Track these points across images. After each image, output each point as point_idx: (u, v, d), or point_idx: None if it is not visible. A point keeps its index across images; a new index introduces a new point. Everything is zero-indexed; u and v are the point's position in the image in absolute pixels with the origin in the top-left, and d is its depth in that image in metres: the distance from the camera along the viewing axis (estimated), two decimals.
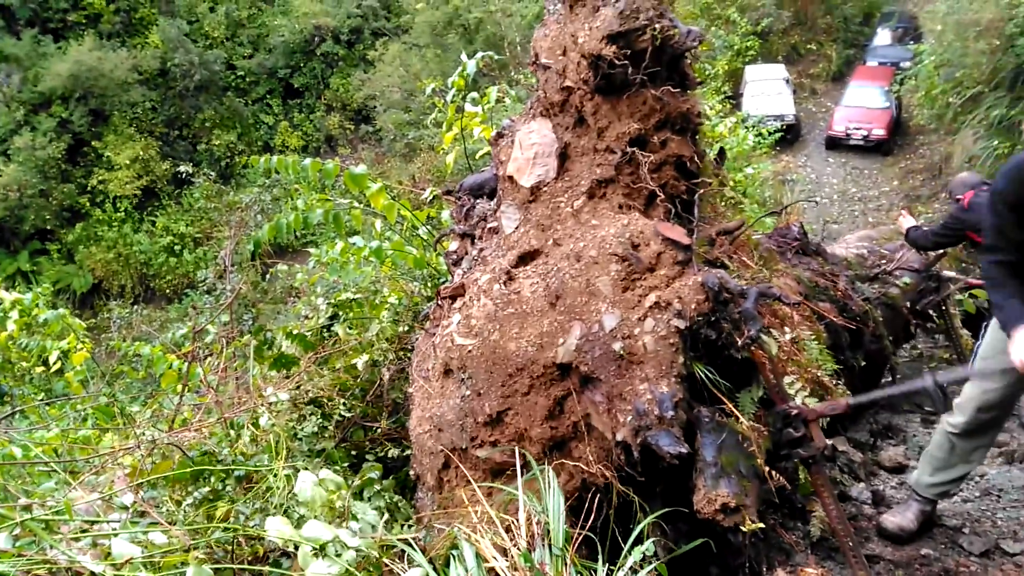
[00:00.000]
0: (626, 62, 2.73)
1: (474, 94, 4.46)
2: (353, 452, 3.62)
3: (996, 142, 14.30)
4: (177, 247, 26.02)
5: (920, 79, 18.00)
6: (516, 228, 3.02)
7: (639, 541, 2.07)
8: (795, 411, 2.68)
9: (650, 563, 2.02)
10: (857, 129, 20.57)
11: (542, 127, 3.05)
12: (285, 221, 4.62)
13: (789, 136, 20.28)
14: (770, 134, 14.36)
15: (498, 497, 2.40)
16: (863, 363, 4.04)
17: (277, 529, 1.89)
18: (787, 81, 22.47)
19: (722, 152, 3.59)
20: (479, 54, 4.23)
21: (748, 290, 2.53)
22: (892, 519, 3.01)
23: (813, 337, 3.10)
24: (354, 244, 4.44)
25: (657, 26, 2.70)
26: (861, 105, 20.99)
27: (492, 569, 1.93)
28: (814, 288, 3.89)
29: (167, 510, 2.41)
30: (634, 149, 2.84)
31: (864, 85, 21.46)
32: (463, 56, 4.20)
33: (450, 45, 26.44)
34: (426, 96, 5.10)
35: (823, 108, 23.51)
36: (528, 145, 3.03)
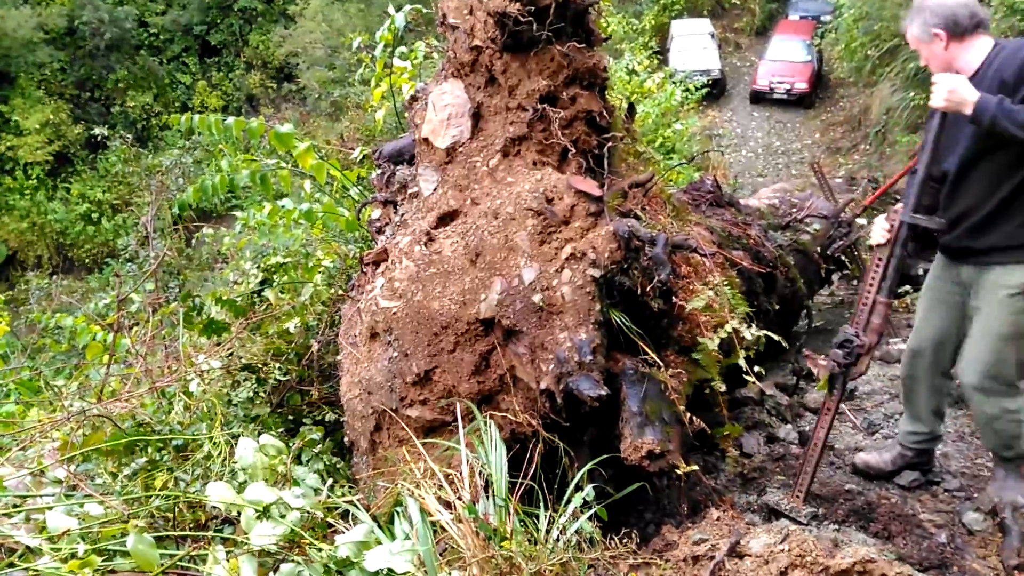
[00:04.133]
0: (531, 19, 2.77)
1: (402, 49, 4.37)
2: (290, 417, 3.60)
3: (912, 94, 14.74)
4: (95, 215, 24.97)
5: (840, 32, 18.36)
6: (434, 190, 3.06)
7: (578, 488, 2.13)
8: (857, 341, 2.81)
9: (590, 508, 2.08)
10: (780, 83, 20.98)
11: (454, 88, 3.07)
12: (210, 183, 4.49)
13: (715, 91, 20.56)
14: (697, 89, 14.52)
15: (437, 453, 2.43)
16: (777, 307, 4.20)
17: (219, 494, 1.88)
18: (712, 36, 22.71)
19: (631, 107, 3.65)
20: (407, 7, 4.14)
21: (657, 237, 2.61)
22: (865, 456, 3.14)
23: (727, 284, 3.21)
24: (283, 206, 4.35)
25: None
26: (784, 59, 21.39)
27: (436, 523, 1.96)
28: (727, 237, 4.00)
29: (103, 482, 2.37)
30: (545, 106, 2.89)
31: (787, 39, 21.84)
32: (390, 9, 4.10)
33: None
34: (352, 52, 4.98)
35: (747, 62, 23.86)
36: (441, 107, 3.06)
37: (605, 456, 2.42)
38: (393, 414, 2.67)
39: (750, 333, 2.87)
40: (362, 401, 2.81)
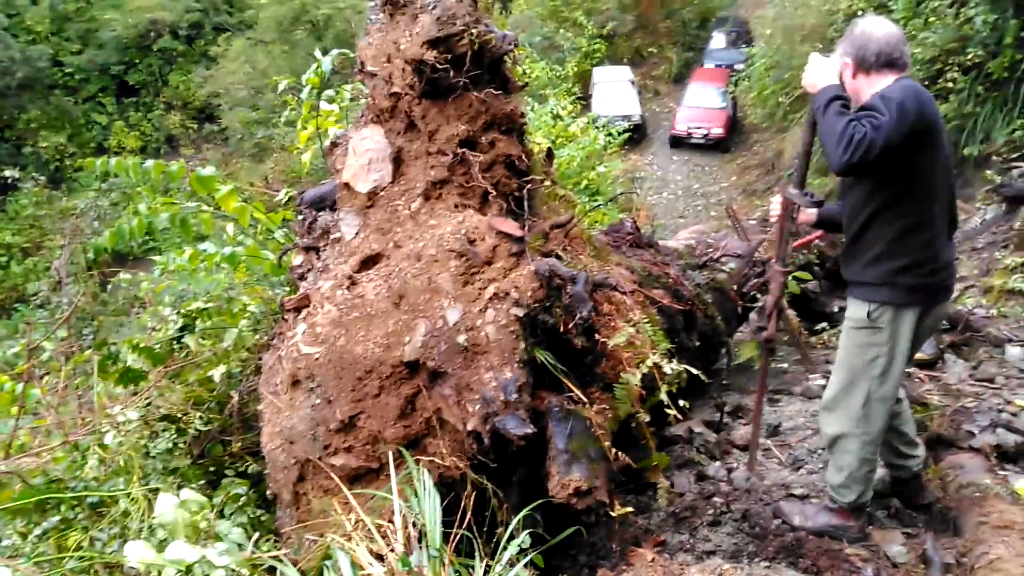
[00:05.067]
0: (448, 66, 2.84)
1: (329, 92, 4.37)
2: (211, 469, 3.47)
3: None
4: (3, 259, 23.82)
5: (753, 80, 19.15)
6: (356, 234, 3.05)
7: (512, 536, 2.10)
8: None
9: (526, 555, 2.06)
10: (698, 128, 21.69)
11: (374, 133, 3.09)
12: (127, 227, 4.35)
13: (636, 135, 21.10)
14: (619, 134, 14.89)
15: (368, 503, 2.37)
16: (698, 344, 4.30)
17: (138, 554, 1.79)
18: (632, 83, 23.40)
19: (550, 152, 3.76)
20: (334, 51, 4.15)
21: (577, 275, 2.67)
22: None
23: (647, 321, 3.28)
24: (204, 250, 4.24)
25: (474, 31, 2.84)
26: (700, 105, 22.15)
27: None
28: (647, 276, 4.10)
29: (11, 544, 2.23)
30: (464, 150, 2.94)
31: (703, 86, 22.64)
32: (317, 53, 4.10)
33: (298, 41, 25.68)
34: (278, 93, 4.95)
35: (666, 108, 24.61)
36: (362, 151, 3.07)
37: (538, 501, 2.41)
38: (317, 464, 2.60)
39: (671, 368, 2.93)
40: (284, 451, 2.74)
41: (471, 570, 1.99)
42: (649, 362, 2.93)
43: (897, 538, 2.94)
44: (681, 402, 3.13)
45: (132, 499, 2.46)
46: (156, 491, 2.51)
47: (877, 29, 2.68)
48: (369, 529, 2.01)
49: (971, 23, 10.64)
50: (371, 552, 1.94)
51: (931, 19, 11.40)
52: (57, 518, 2.36)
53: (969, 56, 10.85)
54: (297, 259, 3.39)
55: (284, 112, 5.20)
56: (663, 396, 2.93)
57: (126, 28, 27.85)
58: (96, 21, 28.42)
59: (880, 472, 3.20)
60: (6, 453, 3.29)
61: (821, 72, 2.67)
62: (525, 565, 2.02)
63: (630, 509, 2.42)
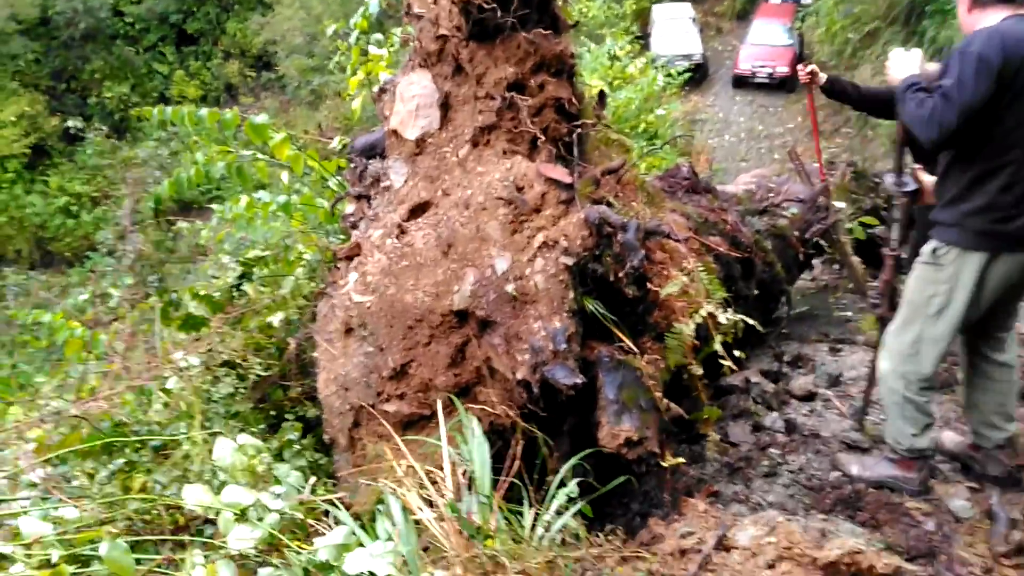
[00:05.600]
0: (496, 6, 2.74)
1: (379, 36, 4.31)
2: (272, 413, 3.55)
3: None
4: (74, 207, 24.64)
5: (820, 16, 18.38)
6: (405, 182, 3.03)
7: (562, 483, 2.10)
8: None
9: (575, 503, 2.05)
10: (762, 67, 20.96)
11: (421, 78, 3.04)
12: (185, 176, 4.42)
13: (697, 76, 20.51)
14: (679, 74, 14.48)
15: (420, 448, 2.39)
16: (756, 292, 4.20)
17: (196, 497, 1.84)
18: (694, 20, 22.66)
19: (602, 94, 3.64)
20: None
21: (628, 223, 2.60)
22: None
23: (702, 269, 3.20)
24: (259, 199, 4.28)
25: None
26: (765, 43, 21.37)
27: (419, 521, 1.93)
28: (704, 223, 3.99)
29: (79, 485, 2.32)
30: (513, 94, 2.86)
31: (767, 23, 21.81)
32: None
33: None
34: (328, 38, 4.91)
35: (729, 47, 23.82)
36: (409, 97, 3.02)
37: (587, 451, 2.40)
38: (371, 410, 2.64)
39: (725, 317, 2.86)
40: (339, 398, 2.78)
41: (520, 517, 1.99)
42: (703, 311, 2.86)
43: (961, 492, 2.86)
44: (737, 352, 3.06)
45: (193, 442, 2.52)
46: (217, 435, 2.58)
47: None
48: (419, 475, 2.03)
49: None
50: (421, 497, 1.95)
51: None
52: (122, 460, 2.45)
53: None
54: (349, 208, 3.39)
55: (335, 58, 5.16)
56: (717, 346, 2.86)
57: None
58: None
59: (957, 438, 3.12)
60: (76, 397, 3.42)
61: (900, 66, 2.79)
62: (574, 514, 2.02)
63: (681, 460, 2.39)
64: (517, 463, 2.25)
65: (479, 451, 2.08)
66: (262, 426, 3.36)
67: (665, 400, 2.63)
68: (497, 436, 2.44)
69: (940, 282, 2.72)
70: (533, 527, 1.94)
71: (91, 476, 2.48)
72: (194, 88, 28.19)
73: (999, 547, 2.55)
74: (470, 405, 2.49)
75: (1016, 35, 2.45)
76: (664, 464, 2.39)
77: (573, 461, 2.24)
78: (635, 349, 2.68)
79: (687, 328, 2.85)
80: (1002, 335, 2.89)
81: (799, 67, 4.25)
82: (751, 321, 2.91)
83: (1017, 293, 2.84)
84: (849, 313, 5.74)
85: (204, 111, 4.21)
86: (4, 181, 24.57)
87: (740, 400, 3.60)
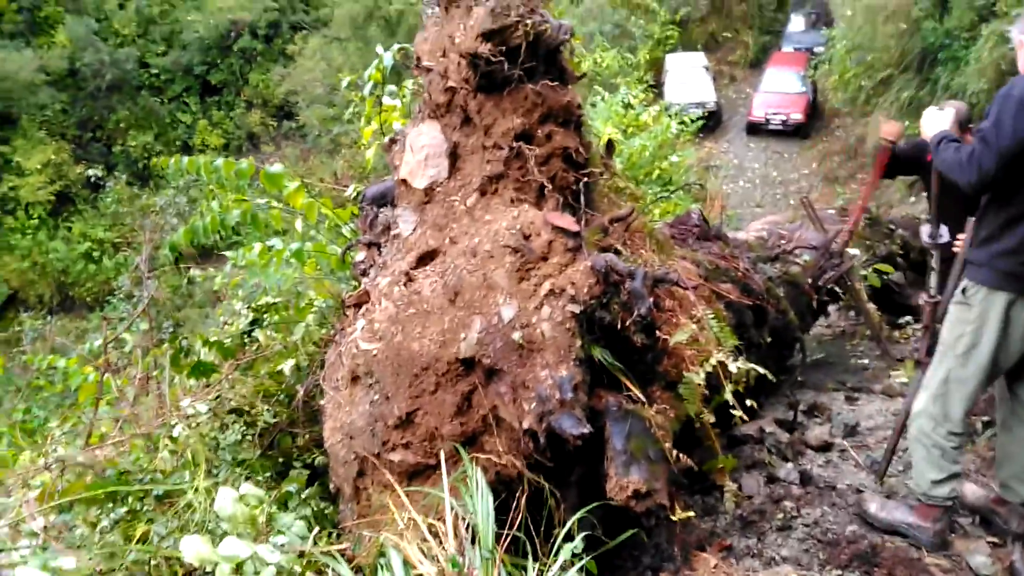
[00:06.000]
0: (503, 59, 2.79)
1: (392, 87, 4.38)
2: (280, 460, 3.53)
3: (907, 122, 14.81)
4: (96, 253, 25.02)
5: (833, 63, 18.53)
6: (414, 230, 3.04)
7: (569, 538, 2.05)
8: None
9: (580, 559, 2.01)
10: (776, 114, 21.09)
11: (431, 129, 3.07)
12: (201, 224, 4.47)
13: (711, 123, 20.66)
14: (692, 121, 14.59)
15: (424, 500, 2.36)
16: (769, 340, 4.15)
17: (193, 549, 1.81)
18: (707, 69, 22.89)
19: (610, 143, 3.68)
20: (395, 46, 4.15)
21: (636, 270, 2.59)
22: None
23: (713, 317, 3.17)
24: (272, 246, 4.32)
25: (529, 22, 2.79)
26: (779, 91, 21.53)
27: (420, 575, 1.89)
28: (714, 270, 3.97)
29: (81, 534, 2.30)
30: (520, 144, 2.89)
31: (781, 71, 22.00)
32: (379, 48, 4.11)
33: (372, 38, 26.03)
34: (342, 89, 5.00)
35: (742, 94, 24.02)
36: (419, 147, 3.06)
37: (594, 504, 2.35)
38: (376, 459, 2.60)
39: (736, 366, 2.82)
40: (344, 446, 2.75)
41: (524, 572, 1.95)
42: (713, 360, 2.83)
43: (982, 548, 2.77)
44: (750, 401, 3.01)
45: (196, 491, 2.50)
46: (220, 484, 2.56)
47: None
48: (421, 528, 1.99)
49: None
50: (422, 551, 1.92)
51: None
52: (124, 509, 2.43)
53: None
54: (359, 255, 3.42)
55: (350, 108, 5.26)
56: (728, 396, 2.82)
57: (208, 29, 28.79)
58: (179, 23, 29.47)
59: (979, 491, 3.05)
60: (86, 443, 3.42)
61: (933, 123, 2.84)
62: (579, 570, 1.97)
63: (691, 513, 2.34)
64: (522, 515, 2.21)
65: (483, 503, 2.04)
66: (269, 474, 3.33)
67: (675, 451, 2.58)
68: (503, 487, 2.40)
69: (968, 322, 2.72)
70: None
71: (93, 525, 2.46)
72: (216, 137, 28.77)
73: None
74: (476, 455, 2.45)
75: None
76: (674, 518, 2.33)
77: (580, 514, 2.20)
78: (643, 398, 2.64)
79: (697, 377, 2.81)
80: None
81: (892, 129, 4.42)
82: (762, 370, 2.87)
83: None
84: (866, 360, 5.67)
85: (220, 161, 4.28)
86: (28, 227, 25.02)
87: (754, 451, 3.53)
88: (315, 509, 2.96)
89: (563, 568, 1.95)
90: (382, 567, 1.94)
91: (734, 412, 2.79)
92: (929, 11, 14.02)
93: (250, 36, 29.19)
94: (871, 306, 6.04)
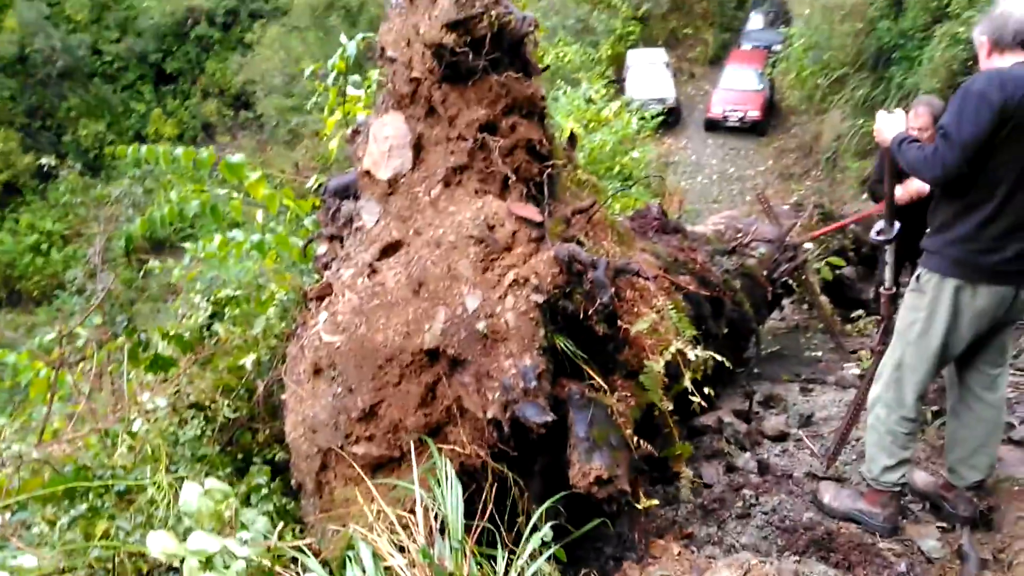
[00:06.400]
0: (468, 49, 2.80)
1: (356, 77, 4.34)
2: (239, 456, 3.49)
3: (861, 121, 15.14)
4: (44, 246, 24.38)
5: (791, 61, 18.82)
6: (377, 222, 3.03)
7: (535, 528, 2.07)
8: None
9: (548, 548, 2.03)
10: (734, 111, 21.36)
11: (395, 119, 3.06)
12: (159, 214, 4.40)
13: (670, 119, 20.84)
14: (653, 117, 14.71)
15: (391, 492, 2.36)
16: (726, 331, 4.24)
17: (160, 544, 1.79)
18: (667, 65, 23.09)
19: (572, 136, 3.72)
20: (359, 35, 4.12)
21: (598, 260, 2.62)
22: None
23: (672, 307, 3.23)
24: (233, 238, 4.26)
25: (493, 12, 2.80)
26: (737, 88, 21.81)
27: (390, 568, 1.89)
28: (673, 262, 4.04)
29: (40, 531, 2.25)
30: (484, 135, 2.91)
31: (739, 68, 22.29)
32: (343, 38, 4.08)
33: (332, 27, 25.74)
34: (304, 79, 4.95)
35: (702, 91, 24.28)
36: (382, 138, 3.05)
37: (561, 493, 2.38)
38: (339, 452, 2.60)
39: (695, 354, 2.88)
40: (307, 440, 2.73)
41: (493, 562, 1.96)
42: (672, 349, 2.88)
43: (932, 532, 2.86)
44: (708, 390, 3.08)
45: (158, 487, 2.47)
46: (183, 479, 2.53)
47: (1017, 9, 2.68)
48: (391, 520, 2.00)
49: None
50: (392, 543, 1.92)
51: None
52: (84, 506, 2.39)
53: None
54: (321, 248, 3.39)
55: (312, 98, 5.20)
56: (687, 383, 2.87)
57: (163, 16, 28.21)
58: (134, 9, 28.83)
59: (929, 478, 3.14)
60: (39, 439, 3.34)
61: (888, 125, 2.92)
62: (547, 559, 1.99)
63: (655, 501, 2.38)
64: (490, 506, 2.23)
65: (451, 494, 2.05)
66: (229, 470, 3.30)
67: (636, 437, 2.62)
68: (468, 477, 2.41)
69: (920, 308, 2.80)
70: (507, 572, 1.92)
71: (52, 523, 2.41)
72: (171, 127, 28.20)
73: None
74: (441, 445, 2.46)
75: (1017, 78, 2.54)
76: (638, 506, 2.37)
77: (547, 504, 2.22)
78: (605, 387, 2.68)
79: (658, 365, 2.86)
80: (993, 372, 2.93)
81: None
82: (720, 358, 2.93)
83: (1003, 329, 2.88)
84: (819, 353, 5.79)
85: (179, 150, 4.21)
86: None
87: (713, 441, 3.60)
88: (277, 504, 2.94)
89: (532, 557, 1.97)
90: (351, 560, 1.94)
91: (693, 399, 2.85)
92: (884, 11, 14.31)
93: (207, 24, 28.67)
94: (824, 299, 6.19)
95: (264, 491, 2.96)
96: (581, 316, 2.66)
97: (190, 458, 3.24)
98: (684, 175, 19.47)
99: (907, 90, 13.37)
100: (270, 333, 3.87)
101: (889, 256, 3.37)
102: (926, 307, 2.78)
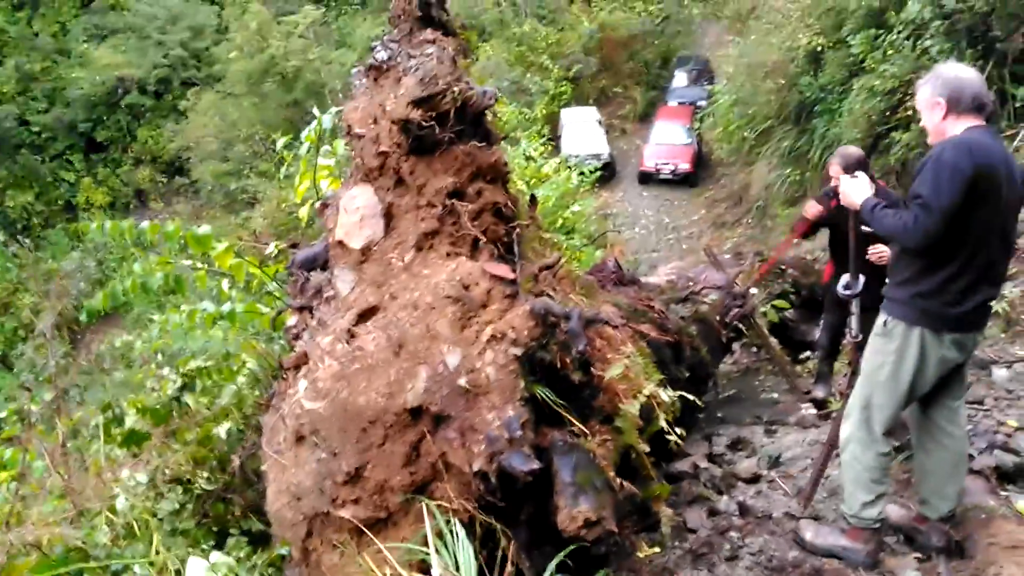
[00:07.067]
0: (433, 123, 2.96)
1: (327, 147, 4.44)
2: (214, 529, 3.44)
3: (788, 170, 15.83)
4: None
5: (717, 116, 19.59)
6: (352, 289, 3.10)
7: None
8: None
9: None
10: (665, 164, 22.12)
11: (364, 191, 3.18)
12: (120, 287, 4.37)
13: (606, 173, 21.42)
14: (592, 172, 15.11)
15: (395, 555, 2.38)
16: (687, 375, 4.40)
17: None
18: (600, 122, 23.81)
19: (533, 198, 3.91)
20: (333, 109, 4.23)
21: (571, 311, 2.74)
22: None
23: (638, 354, 3.37)
24: (204, 308, 4.25)
25: (456, 89, 2.98)
26: (667, 142, 22.61)
27: None
28: (633, 312, 4.21)
29: None
30: (453, 201, 3.05)
31: (668, 123, 23.13)
32: (315, 111, 4.18)
33: (268, 93, 25.83)
34: (277, 150, 5.03)
35: (633, 146, 25.04)
36: (353, 209, 3.15)
37: (571, 547, 2.42)
38: (325, 518, 2.60)
39: (666, 395, 3.01)
40: (291, 508, 2.73)
41: None
42: (646, 391, 3.01)
43: (910, 563, 3.00)
44: (680, 431, 3.21)
45: (152, 565, 2.44)
46: (176, 554, 2.51)
47: (968, 74, 2.89)
48: None
49: (927, 54, 11.02)
50: None
51: (889, 52, 11.79)
52: None
53: None
54: (291, 320, 3.44)
55: (260, 164, 5.26)
56: (662, 423, 3.00)
57: (93, 86, 27.89)
58: (63, 80, 28.44)
59: (901, 511, 3.29)
60: (6, 523, 3.24)
61: (855, 190, 3.07)
62: None
63: (657, 549, 2.45)
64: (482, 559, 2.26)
65: (463, 553, 2.09)
66: (212, 543, 3.25)
67: (618, 479, 2.71)
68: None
69: (888, 353, 2.96)
70: None
71: None
72: (102, 195, 27.68)
73: None
74: (428, 501, 2.49)
75: (981, 145, 2.74)
76: (640, 554, 2.44)
77: (558, 559, 2.28)
78: (586, 431, 2.77)
79: (633, 408, 2.99)
80: (954, 404, 3.12)
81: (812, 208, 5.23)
82: (691, 397, 3.06)
83: (961, 368, 3.08)
84: (775, 395, 5.98)
85: (145, 223, 4.22)
86: None
87: (691, 486, 3.70)
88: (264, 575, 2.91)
89: None
90: None
91: (669, 438, 2.96)
92: (804, 68, 15.10)
93: (139, 92, 28.42)
94: (774, 341, 6.43)
95: (249, 563, 2.93)
96: (558, 365, 2.76)
97: (169, 533, 3.18)
98: (623, 226, 19.94)
99: (830, 140, 14.06)
100: (244, 402, 3.86)
101: (855, 307, 3.56)
102: (894, 352, 2.94)
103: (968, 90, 2.83)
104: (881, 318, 3.02)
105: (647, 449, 3.05)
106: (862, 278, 3.50)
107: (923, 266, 2.88)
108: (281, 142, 4.62)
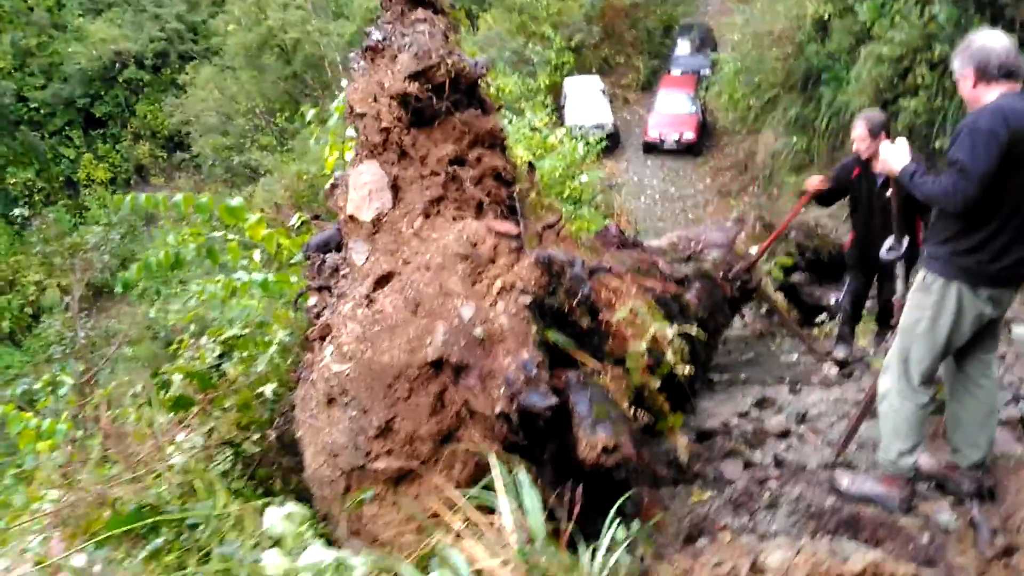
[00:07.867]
0: (430, 95, 3.16)
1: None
2: (258, 490, 3.56)
3: (794, 138, 15.84)
4: None
5: (722, 85, 19.53)
6: (367, 259, 3.23)
7: (619, 518, 2.23)
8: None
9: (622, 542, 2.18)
10: (669, 133, 22.05)
11: (370, 167, 3.32)
12: (154, 259, 4.46)
13: (610, 143, 21.38)
14: (597, 142, 15.11)
15: (466, 502, 2.48)
16: (696, 326, 4.50)
17: (275, 563, 1.89)
18: (603, 92, 23.67)
19: (531, 165, 4.03)
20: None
21: (574, 258, 2.88)
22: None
23: (644, 305, 3.50)
24: (238, 279, 4.33)
25: (449, 61, 3.19)
26: (671, 112, 22.50)
27: (480, 571, 2.02)
28: (638, 270, 4.31)
29: (129, 565, 2.32)
30: (455, 168, 3.23)
31: (672, 93, 23.00)
32: (344, 83, 4.23)
33: (267, 65, 25.71)
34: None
35: (637, 116, 24.95)
36: (361, 185, 3.29)
37: (632, 491, 2.52)
38: (360, 472, 2.71)
39: (671, 331, 3.22)
40: (329, 466, 2.84)
41: (576, 556, 2.11)
42: (651, 330, 3.14)
43: (944, 507, 3.13)
44: (689, 368, 3.43)
45: (223, 517, 2.56)
46: (242, 508, 2.62)
47: (997, 42, 2.96)
48: (479, 527, 2.13)
49: (935, 20, 11.01)
50: (484, 550, 2.05)
51: (896, 19, 11.76)
52: (160, 540, 2.45)
53: (936, 52, 11.22)
54: (311, 300, 3.56)
55: (260, 138, 5.31)
56: (671, 357, 3.14)
57: (90, 61, 27.70)
58: (59, 55, 28.24)
59: (932, 460, 3.38)
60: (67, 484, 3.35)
61: (895, 156, 3.16)
62: (626, 550, 2.15)
63: (708, 494, 2.56)
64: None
65: (530, 499, 2.19)
66: (263, 502, 3.36)
67: (633, 407, 2.86)
68: (482, 473, 2.55)
69: (926, 307, 3.08)
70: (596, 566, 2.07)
71: (122, 560, 2.47)
72: (102, 171, 27.64)
73: (988, 552, 2.81)
74: (456, 450, 2.60)
75: (1016, 111, 2.83)
76: (692, 500, 2.55)
77: (622, 500, 2.38)
78: (599, 368, 2.91)
79: (640, 347, 3.17)
80: (987, 357, 3.25)
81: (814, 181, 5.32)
82: (693, 332, 3.17)
83: (995, 324, 3.20)
84: (794, 356, 6.08)
85: (178, 196, 4.29)
86: None
87: (724, 441, 3.82)
88: (318, 530, 3.02)
89: (609, 550, 2.12)
90: (442, 564, 2.05)
91: (677, 371, 3.16)
92: (811, 35, 15.05)
93: (136, 67, 28.26)
94: (782, 302, 6.53)
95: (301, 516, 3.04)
96: (566, 311, 2.89)
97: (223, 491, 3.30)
98: (628, 196, 19.97)
99: (837, 108, 14.07)
100: (282, 367, 3.96)
101: (900, 269, 3.69)
102: (932, 306, 3.06)
103: (994, 58, 2.91)
104: (920, 274, 3.13)
105: (657, 384, 3.22)
106: (906, 240, 3.61)
107: (962, 227, 2.98)
108: (311, 114, 4.68)
